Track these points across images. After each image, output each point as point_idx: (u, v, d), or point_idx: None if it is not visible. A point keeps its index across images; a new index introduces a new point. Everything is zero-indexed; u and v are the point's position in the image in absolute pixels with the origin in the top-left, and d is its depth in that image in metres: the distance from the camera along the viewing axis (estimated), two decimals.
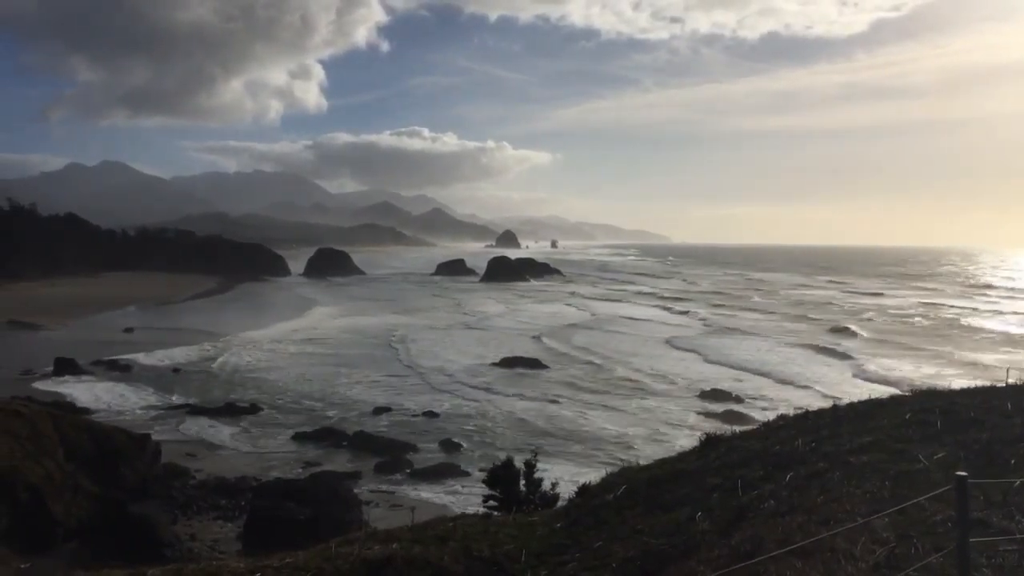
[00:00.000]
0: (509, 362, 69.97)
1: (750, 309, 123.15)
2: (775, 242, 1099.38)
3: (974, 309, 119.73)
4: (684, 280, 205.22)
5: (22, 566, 25.45)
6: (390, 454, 42.24)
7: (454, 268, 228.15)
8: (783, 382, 62.07)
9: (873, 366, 67.63)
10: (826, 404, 14.85)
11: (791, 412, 16.41)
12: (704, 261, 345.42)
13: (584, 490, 13.04)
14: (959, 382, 24.19)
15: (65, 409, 45.97)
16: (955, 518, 6.61)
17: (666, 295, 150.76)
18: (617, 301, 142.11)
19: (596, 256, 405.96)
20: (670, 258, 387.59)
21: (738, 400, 54.98)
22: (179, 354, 74.79)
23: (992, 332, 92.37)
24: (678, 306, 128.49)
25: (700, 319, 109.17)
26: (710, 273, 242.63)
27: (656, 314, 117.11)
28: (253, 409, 52.12)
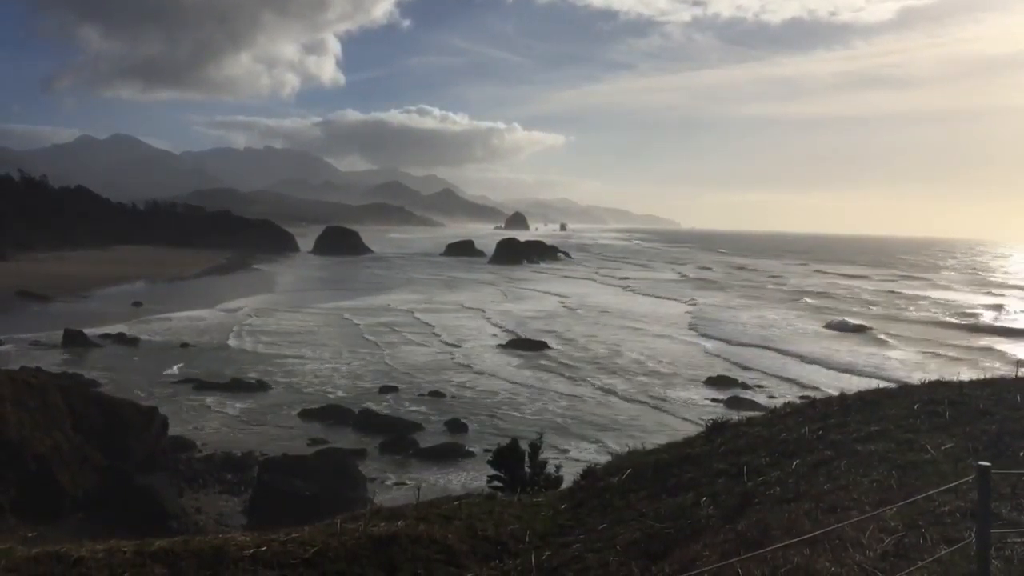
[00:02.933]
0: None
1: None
2: (789, 230, 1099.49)
3: None
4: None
5: (29, 535, 25.67)
6: (395, 433, 42.38)
7: (463, 249, 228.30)
8: None
9: None
10: None
11: (798, 400, 16.37)
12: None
13: (589, 473, 13.04)
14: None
15: (73, 381, 46.31)
16: (964, 509, 6.59)
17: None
18: None
19: (613, 241, 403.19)
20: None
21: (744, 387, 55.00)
22: (186, 329, 75.07)
23: None
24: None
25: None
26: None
27: None
28: (260, 385, 52.33)
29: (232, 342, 69.09)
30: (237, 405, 48.11)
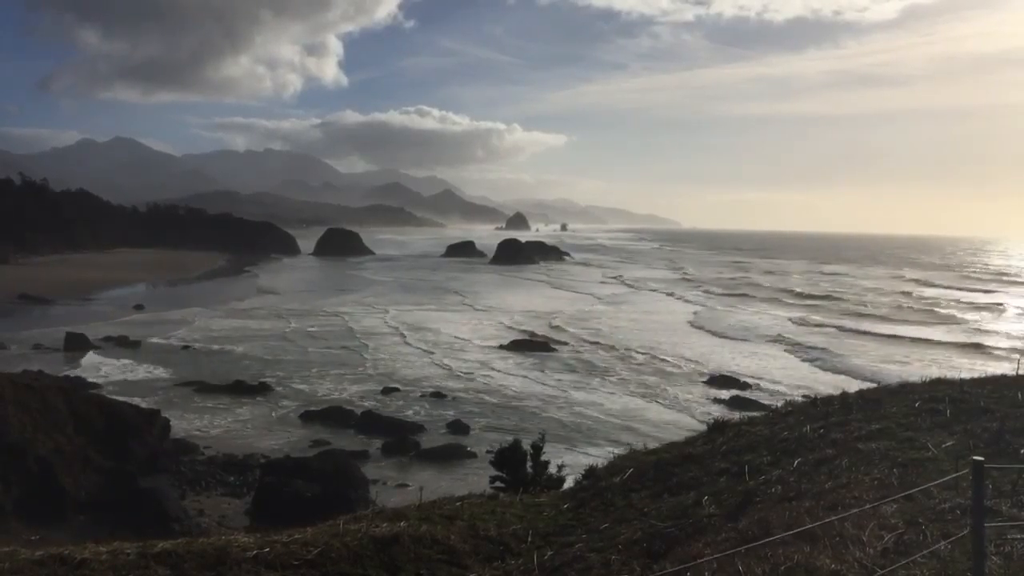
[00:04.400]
0: None
1: None
2: (787, 229, 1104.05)
3: None
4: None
5: (32, 538, 25.70)
6: (397, 434, 42.38)
7: (464, 250, 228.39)
8: None
9: None
10: None
11: (799, 398, 16.39)
12: (716, 248, 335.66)
13: (591, 472, 13.05)
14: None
15: (75, 383, 46.34)
16: (964, 506, 6.61)
17: None
18: None
19: (610, 241, 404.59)
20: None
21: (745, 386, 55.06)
22: (188, 332, 75.11)
23: None
24: None
25: None
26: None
27: None
28: (262, 388, 52.32)
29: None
30: (238, 407, 48.15)
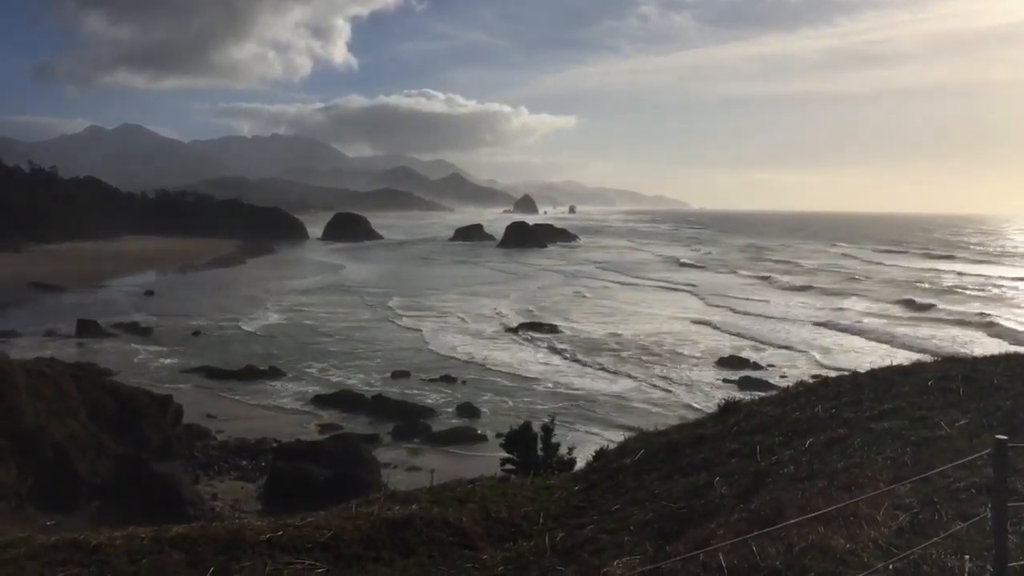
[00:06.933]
0: None
1: None
2: (794, 209, 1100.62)
3: None
4: None
5: (47, 523, 25.93)
6: (408, 418, 42.52)
7: (472, 233, 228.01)
8: None
9: None
10: None
11: (810, 379, 16.35)
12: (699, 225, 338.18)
13: (602, 454, 13.08)
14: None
15: (88, 370, 46.56)
16: (979, 485, 6.58)
17: None
18: None
19: (615, 223, 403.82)
20: None
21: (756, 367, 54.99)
22: (198, 317, 75.38)
23: None
24: None
25: None
26: None
27: None
28: (272, 372, 52.52)
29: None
30: (250, 392, 48.37)
